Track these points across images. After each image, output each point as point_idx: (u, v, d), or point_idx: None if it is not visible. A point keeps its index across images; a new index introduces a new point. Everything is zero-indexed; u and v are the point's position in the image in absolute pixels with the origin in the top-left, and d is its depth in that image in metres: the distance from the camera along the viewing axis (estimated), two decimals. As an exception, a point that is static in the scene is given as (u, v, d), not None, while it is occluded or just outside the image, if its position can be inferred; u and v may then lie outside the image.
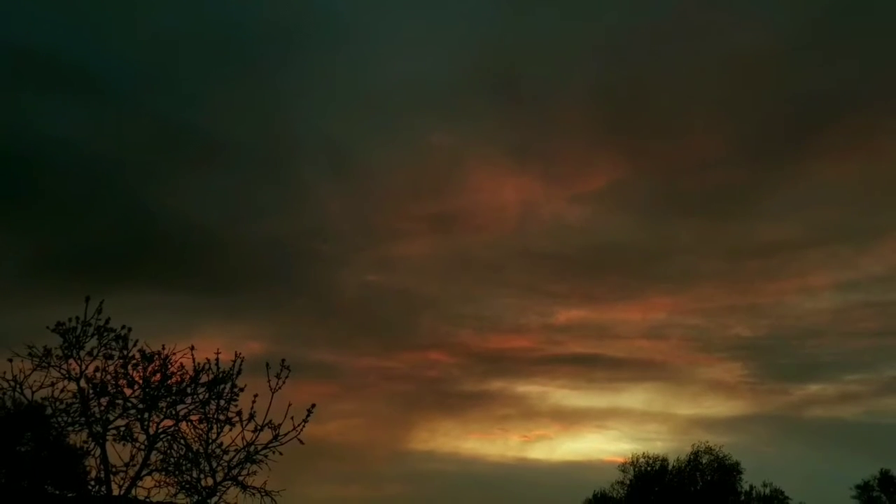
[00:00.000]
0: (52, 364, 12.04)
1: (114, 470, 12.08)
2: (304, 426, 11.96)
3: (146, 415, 12.23)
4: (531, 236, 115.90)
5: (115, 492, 12.04)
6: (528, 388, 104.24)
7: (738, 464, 41.92)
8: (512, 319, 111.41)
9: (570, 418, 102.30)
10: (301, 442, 12.05)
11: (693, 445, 42.97)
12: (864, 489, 48.57)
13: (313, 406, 12.00)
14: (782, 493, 41.65)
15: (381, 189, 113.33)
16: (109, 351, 12.10)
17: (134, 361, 12.15)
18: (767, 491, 41.61)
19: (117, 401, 12.13)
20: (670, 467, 42.56)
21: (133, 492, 12.17)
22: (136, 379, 12.18)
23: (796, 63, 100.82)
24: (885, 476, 48.40)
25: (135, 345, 12.19)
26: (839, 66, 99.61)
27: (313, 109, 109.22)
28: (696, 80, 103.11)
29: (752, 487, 41.74)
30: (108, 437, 12.17)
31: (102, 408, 12.13)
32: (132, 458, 12.20)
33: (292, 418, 12.00)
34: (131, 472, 12.15)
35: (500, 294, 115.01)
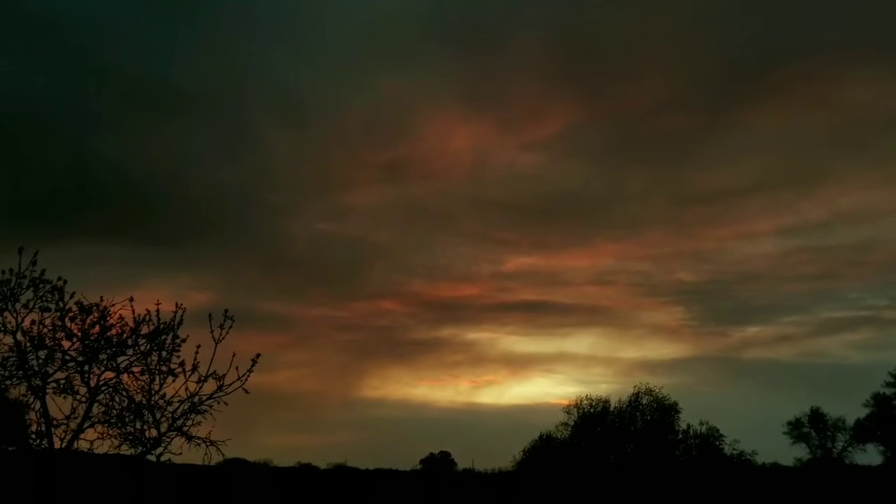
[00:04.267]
0: (-14, 317, 11.77)
1: (55, 423, 11.96)
2: (248, 376, 11.99)
3: (86, 367, 12.08)
4: (483, 184, 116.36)
5: (57, 444, 11.95)
6: (478, 335, 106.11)
7: (676, 404, 43.52)
8: (463, 267, 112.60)
9: (519, 363, 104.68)
10: (246, 391, 12.09)
11: (635, 387, 44.43)
12: (794, 426, 51.11)
13: (258, 356, 12.00)
14: (717, 430, 43.43)
15: (333, 136, 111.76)
16: (46, 303, 11.88)
17: (71, 314, 11.95)
18: (704, 429, 43.35)
19: (56, 354, 11.95)
20: (612, 408, 43.97)
21: (75, 444, 12.10)
22: (75, 331, 11.99)
23: (747, 12, 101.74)
24: (815, 413, 50.92)
25: (72, 297, 11.98)
26: (788, 16, 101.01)
27: (264, 54, 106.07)
28: (649, 28, 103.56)
29: (689, 426, 43.45)
30: (47, 391, 12.01)
31: (41, 361, 11.94)
32: (73, 410, 12.08)
33: (237, 368, 12.00)
34: (73, 425, 12.04)
35: (451, 242, 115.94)
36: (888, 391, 48.50)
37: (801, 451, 50.76)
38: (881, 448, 48.61)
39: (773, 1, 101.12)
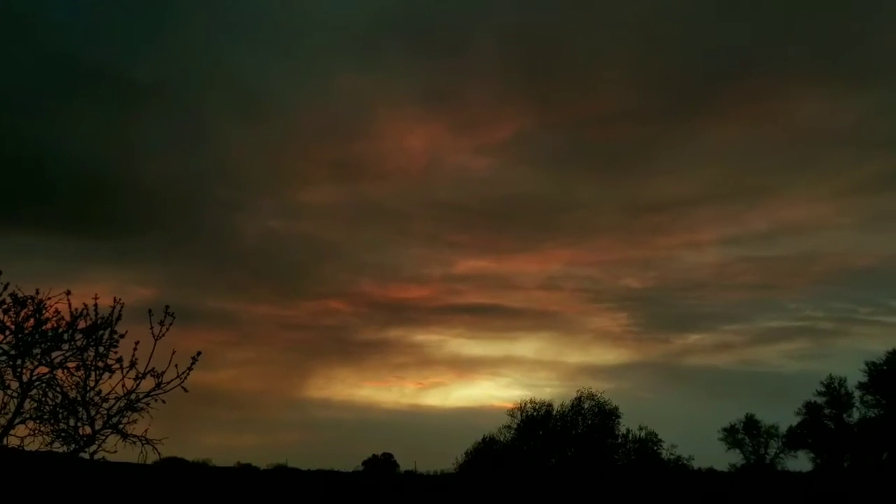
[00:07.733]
0: (-88, 309, 11.33)
1: (-17, 418, 11.59)
2: (188, 374, 11.78)
3: (19, 361, 11.72)
4: (436, 186, 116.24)
5: (-15, 441, 11.58)
6: (426, 337, 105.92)
7: (616, 408, 44.32)
8: (413, 269, 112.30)
9: (465, 366, 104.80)
10: (185, 390, 11.89)
11: (577, 392, 45.07)
12: (730, 432, 52.35)
13: (198, 354, 11.81)
14: (656, 435, 44.33)
15: (287, 132, 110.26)
16: (-24, 295, 11.48)
17: (5, 306, 11.58)
18: (643, 434, 44.20)
19: (-14, 347, 11.56)
20: (555, 412, 44.52)
21: (5, 440, 11.73)
22: (8, 324, 11.62)
23: (700, 27, 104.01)
24: (749, 420, 52.27)
25: (6, 288, 11.60)
26: (739, 32, 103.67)
27: (220, 48, 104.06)
28: (606, 37, 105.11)
29: (628, 431, 44.24)
30: (-24, 385, 11.62)
31: (-30, 354, 11.54)
32: (4, 405, 11.71)
33: (176, 366, 11.79)
34: (3, 421, 11.66)
35: (402, 243, 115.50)
36: (819, 400, 50.10)
37: (736, 457, 52.08)
38: (811, 455, 50.17)
39: (725, 16, 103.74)
